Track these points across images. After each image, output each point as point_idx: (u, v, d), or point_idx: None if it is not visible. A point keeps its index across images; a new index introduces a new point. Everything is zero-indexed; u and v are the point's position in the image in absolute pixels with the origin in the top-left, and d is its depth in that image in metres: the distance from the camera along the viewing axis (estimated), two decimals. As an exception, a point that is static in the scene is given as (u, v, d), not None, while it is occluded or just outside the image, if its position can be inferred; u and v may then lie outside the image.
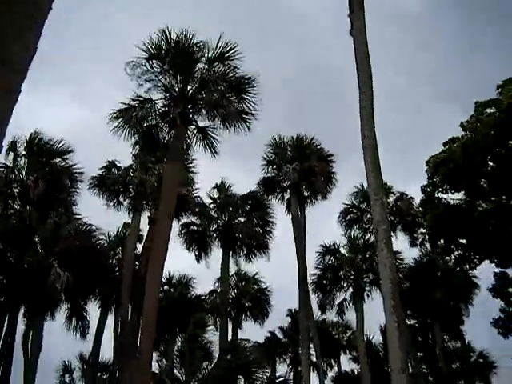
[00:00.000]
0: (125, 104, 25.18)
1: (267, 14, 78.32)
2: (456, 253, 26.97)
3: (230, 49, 24.42)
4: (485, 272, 29.19)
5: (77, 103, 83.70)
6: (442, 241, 28.21)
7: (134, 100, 25.11)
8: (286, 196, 40.05)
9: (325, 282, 40.04)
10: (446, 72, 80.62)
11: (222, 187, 41.82)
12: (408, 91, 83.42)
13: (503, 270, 26.83)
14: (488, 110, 23.37)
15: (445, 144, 24.96)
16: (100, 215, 35.74)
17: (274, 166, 40.44)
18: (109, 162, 35.93)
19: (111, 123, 25.16)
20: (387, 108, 72.48)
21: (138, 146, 28.64)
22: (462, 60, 79.21)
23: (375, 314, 36.49)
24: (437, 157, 24.36)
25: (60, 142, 32.09)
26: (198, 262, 40.38)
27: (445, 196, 25.39)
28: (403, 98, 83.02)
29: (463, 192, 24.88)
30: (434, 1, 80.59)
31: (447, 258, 30.51)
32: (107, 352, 37.56)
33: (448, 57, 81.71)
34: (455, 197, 25.28)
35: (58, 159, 32.41)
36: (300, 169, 38.67)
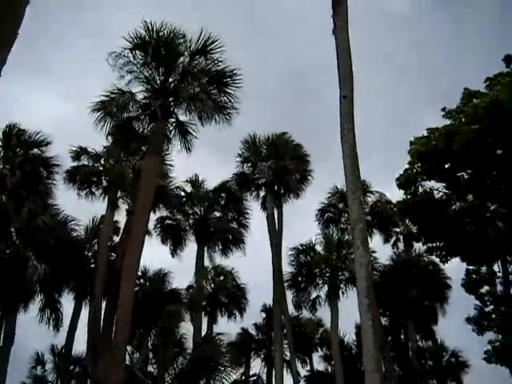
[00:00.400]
0: (105, 96, 25.13)
1: (254, 10, 78.07)
2: (429, 244, 27.04)
3: (212, 42, 24.41)
4: (457, 269, 29.38)
5: (64, 98, 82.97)
6: (415, 229, 28.30)
7: (113, 93, 25.02)
8: (262, 193, 40.19)
9: (300, 279, 40.15)
10: (436, 71, 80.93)
11: (195, 181, 41.81)
12: (393, 90, 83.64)
13: (474, 267, 27.00)
14: (474, 101, 23.28)
15: (429, 131, 24.84)
16: (76, 207, 35.38)
17: (250, 164, 40.54)
18: (80, 148, 35.65)
19: (92, 115, 25.22)
20: (374, 107, 72.68)
21: (112, 137, 28.49)
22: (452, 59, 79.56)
23: (348, 313, 36.67)
24: (419, 147, 24.30)
25: (38, 133, 31.96)
26: (173, 256, 40.44)
27: (423, 183, 25.37)
28: (389, 98, 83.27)
29: (443, 184, 24.91)
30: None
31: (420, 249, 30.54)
32: (81, 345, 37.38)
33: (438, 56, 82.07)
34: (435, 185, 25.27)
35: (35, 150, 32.21)
36: (275, 167, 38.82)
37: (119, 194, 34.77)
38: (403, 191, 26.13)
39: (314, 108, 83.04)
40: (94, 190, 35.17)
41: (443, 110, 24.41)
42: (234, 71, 24.98)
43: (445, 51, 79.39)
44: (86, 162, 35.62)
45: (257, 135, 40.73)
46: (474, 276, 26.76)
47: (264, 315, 45.53)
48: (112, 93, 24.98)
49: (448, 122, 24.75)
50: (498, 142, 22.19)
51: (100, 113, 25.09)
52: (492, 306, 26.79)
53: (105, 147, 34.54)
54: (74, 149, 35.46)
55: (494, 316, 26.35)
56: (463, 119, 23.34)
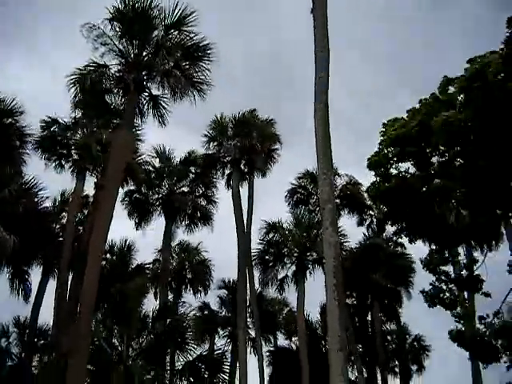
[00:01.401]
0: (80, 70, 24.91)
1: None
2: (397, 225, 27.22)
3: (187, 15, 24.29)
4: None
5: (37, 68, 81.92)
6: (383, 214, 28.44)
7: (88, 66, 24.77)
8: (227, 171, 40.22)
9: (267, 257, 40.30)
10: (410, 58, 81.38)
11: (162, 155, 41.72)
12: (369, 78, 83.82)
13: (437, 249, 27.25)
14: (451, 88, 23.15)
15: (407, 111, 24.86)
16: (45, 180, 34.96)
17: (215, 143, 40.48)
18: (49, 118, 34.85)
19: (68, 89, 25.05)
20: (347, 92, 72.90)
21: (80, 109, 28.24)
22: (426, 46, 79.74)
23: (313, 294, 37.02)
24: (394, 131, 24.30)
25: (12, 101, 31.53)
26: (137, 229, 40.37)
27: (394, 166, 25.39)
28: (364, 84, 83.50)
29: (412, 163, 24.95)
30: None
31: (388, 233, 30.73)
32: (47, 317, 37.07)
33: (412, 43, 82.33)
34: (404, 166, 25.30)
35: (8, 119, 31.83)
36: (241, 145, 39.05)
37: (88, 166, 34.39)
38: (374, 173, 26.16)
39: (287, 90, 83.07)
40: (63, 162, 34.76)
41: (420, 102, 24.38)
42: (208, 45, 24.91)
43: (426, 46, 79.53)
44: (55, 133, 35.11)
45: (224, 115, 40.71)
46: (436, 256, 26.99)
47: (226, 292, 45.60)
48: (87, 66, 24.74)
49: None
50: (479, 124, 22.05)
51: (74, 87, 24.91)
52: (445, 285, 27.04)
53: (75, 119, 34.10)
54: (45, 119, 34.99)
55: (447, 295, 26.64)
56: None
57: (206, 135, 40.43)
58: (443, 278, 26.60)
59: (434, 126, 21.67)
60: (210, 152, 40.40)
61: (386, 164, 24.80)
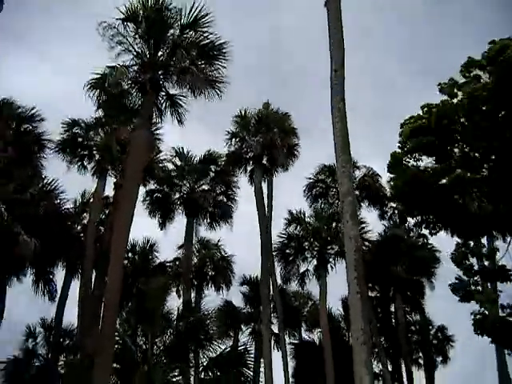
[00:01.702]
0: (99, 74, 25.07)
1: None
2: (418, 218, 27.09)
3: (203, 15, 24.33)
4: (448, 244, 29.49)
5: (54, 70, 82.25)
6: (404, 207, 28.28)
7: (108, 67, 24.89)
8: (249, 168, 40.38)
9: (288, 251, 40.33)
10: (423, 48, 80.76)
11: (182, 154, 41.88)
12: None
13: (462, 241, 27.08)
14: (474, 72, 22.85)
15: (422, 108, 24.68)
16: (66, 182, 35.32)
17: (238, 139, 40.76)
18: (71, 120, 35.58)
19: (89, 92, 25.29)
20: (364, 85, 72.57)
21: (102, 110, 28.40)
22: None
23: (337, 287, 36.94)
24: (410, 123, 24.19)
25: (32, 109, 32.13)
26: (162, 229, 40.62)
27: (414, 163, 25.24)
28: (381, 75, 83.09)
29: (433, 158, 24.78)
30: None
31: (409, 224, 30.58)
32: (72, 318, 37.39)
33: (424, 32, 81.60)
34: (424, 164, 25.15)
35: (27, 126, 32.34)
36: (263, 141, 39.25)
37: (109, 167, 34.72)
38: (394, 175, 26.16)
39: (301, 83, 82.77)
40: (85, 163, 35.20)
41: (439, 85, 24.16)
42: (223, 44, 24.95)
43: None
44: (77, 134, 35.57)
45: (247, 110, 41.08)
46: (462, 249, 26.84)
47: (248, 288, 45.75)
48: (108, 67, 24.86)
49: (444, 97, 24.48)
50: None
51: (94, 89, 25.10)
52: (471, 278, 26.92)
53: (96, 119, 34.44)
54: (67, 120, 35.48)
55: (473, 288, 26.54)
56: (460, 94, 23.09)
57: (228, 132, 40.79)
58: (469, 270, 26.54)
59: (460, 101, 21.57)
60: (233, 148, 40.64)
61: (405, 159, 24.71)
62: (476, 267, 27.05)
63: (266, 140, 39.26)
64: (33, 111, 32.26)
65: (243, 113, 41.09)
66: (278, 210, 40.72)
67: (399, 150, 25.20)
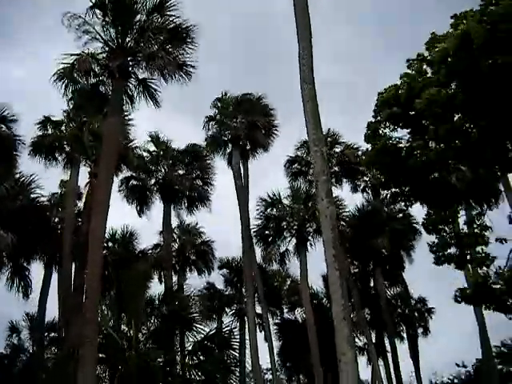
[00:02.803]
0: (66, 63, 24.85)
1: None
2: (393, 190, 27.14)
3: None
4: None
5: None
6: (381, 180, 28.28)
7: (73, 55, 24.68)
8: (228, 150, 40.34)
9: (268, 232, 40.44)
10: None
11: (157, 140, 41.82)
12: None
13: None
14: (439, 45, 22.80)
15: (401, 77, 24.64)
16: (46, 177, 35.31)
17: (215, 122, 41.03)
18: (44, 117, 35.58)
19: (55, 82, 25.07)
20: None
21: (72, 101, 28.18)
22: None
23: (317, 264, 37.22)
24: (385, 93, 24.18)
25: (4, 110, 31.97)
26: (140, 216, 40.50)
27: (389, 133, 25.22)
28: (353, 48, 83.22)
29: (407, 131, 24.80)
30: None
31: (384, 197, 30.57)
32: (55, 310, 37.33)
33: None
34: (399, 134, 25.14)
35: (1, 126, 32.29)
36: (242, 123, 39.55)
37: (80, 157, 34.64)
38: (370, 145, 26.13)
39: (276, 61, 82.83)
40: (57, 155, 35.09)
41: (407, 61, 24.17)
42: (191, 27, 24.86)
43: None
44: (50, 131, 35.50)
45: (225, 93, 41.53)
46: (433, 216, 26.93)
47: (228, 271, 46.03)
48: (72, 54, 24.65)
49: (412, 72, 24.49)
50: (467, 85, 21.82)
51: (63, 80, 24.88)
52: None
53: (66, 112, 34.31)
54: (40, 118, 35.63)
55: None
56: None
57: (206, 116, 41.09)
58: (446, 235, 26.59)
59: (417, 107, 21.65)
60: (211, 132, 40.90)
61: (379, 131, 24.71)
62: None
63: (248, 121, 39.60)
64: (5, 111, 32.12)
65: (222, 96, 41.37)
66: (267, 189, 41.10)
67: (373, 119, 25.17)
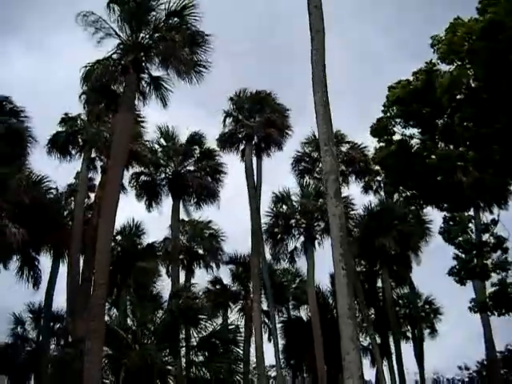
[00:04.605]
0: (88, 65, 25.00)
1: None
2: (404, 194, 27.10)
3: (190, 6, 24.52)
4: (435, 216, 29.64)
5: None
6: (390, 180, 28.18)
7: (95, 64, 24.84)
8: (242, 146, 40.47)
9: (276, 230, 40.52)
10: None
11: (167, 135, 42.03)
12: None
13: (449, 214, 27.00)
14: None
15: (414, 74, 24.42)
16: (54, 167, 35.54)
17: (232, 119, 41.05)
18: (64, 115, 35.91)
19: (80, 85, 25.34)
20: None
21: (88, 97, 28.36)
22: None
23: (325, 263, 37.20)
24: (397, 88, 23.96)
25: (12, 102, 32.49)
26: (149, 211, 40.69)
27: (398, 130, 25.11)
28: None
29: (418, 129, 24.65)
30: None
31: (397, 198, 30.49)
32: (61, 302, 37.53)
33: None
34: (409, 132, 25.00)
35: (13, 120, 32.60)
36: (257, 121, 39.82)
37: (95, 152, 34.95)
38: (377, 140, 25.97)
39: (288, 61, 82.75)
40: (70, 149, 35.40)
41: (429, 63, 23.94)
42: (208, 35, 25.12)
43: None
44: (65, 128, 35.90)
45: (242, 91, 41.47)
46: (451, 223, 26.83)
47: (235, 266, 46.14)
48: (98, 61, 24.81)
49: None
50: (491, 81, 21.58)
51: (84, 81, 25.08)
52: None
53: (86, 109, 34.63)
54: (62, 116, 36.05)
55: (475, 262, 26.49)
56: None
57: (224, 111, 41.01)
58: (465, 246, 26.50)
59: (439, 87, 21.47)
60: (227, 129, 40.87)
61: (389, 127, 24.58)
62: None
63: (264, 119, 39.70)
64: (15, 104, 32.67)
65: (239, 93, 41.40)
66: (276, 188, 41.29)
67: (383, 115, 24.97)
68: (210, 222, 46.04)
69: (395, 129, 24.75)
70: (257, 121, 40.08)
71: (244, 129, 40.10)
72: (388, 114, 24.45)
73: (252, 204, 37.39)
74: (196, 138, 41.82)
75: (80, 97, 27.49)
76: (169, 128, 41.93)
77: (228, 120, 40.91)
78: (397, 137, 24.89)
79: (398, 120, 24.54)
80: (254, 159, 39.57)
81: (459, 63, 21.83)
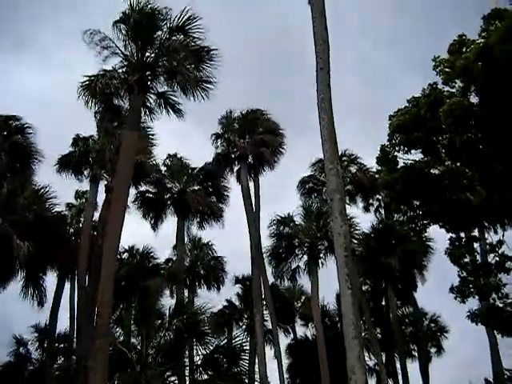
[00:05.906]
0: (89, 77, 25.13)
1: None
2: (408, 214, 27.23)
3: (192, 20, 24.62)
4: (439, 236, 29.64)
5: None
6: (395, 204, 28.29)
7: (99, 74, 24.99)
8: (236, 168, 40.83)
9: (280, 250, 40.49)
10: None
11: (174, 157, 42.51)
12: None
13: (454, 234, 27.05)
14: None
15: (409, 101, 24.70)
16: (61, 184, 35.65)
17: (223, 140, 41.41)
18: (75, 136, 35.95)
19: (80, 97, 25.36)
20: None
21: (99, 115, 28.54)
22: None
23: (330, 281, 37.12)
24: (397, 116, 24.26)
25: (19, 119, 32.70)
26: (154, 230, 40.86)
27: (402, 156, 25.40)
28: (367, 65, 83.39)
29: (420, 151, 24.88)
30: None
31: (400, 218, 30.63)
32: (64, 322, 37.45)
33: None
34: (412, 157, 25.29)
35: (19, 136, 32.73)
36: (249, 141, 40.15)
37: (101, 170, 35.04)
38: (382, 168, 26.28)
39: (291, 79, 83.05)
40: (83, 170, 35.52)
41: (432, 84, 24.17)
42: (212, 49, 25.19)
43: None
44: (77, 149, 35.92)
45: (231, 111, 41.91)
46: (457, 244, 26.90)
47: (238, 286, 46.23)
48: (98, 74, 24.96)
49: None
50: (487, 99, 21.76)
51: (86, 95, 25.17)
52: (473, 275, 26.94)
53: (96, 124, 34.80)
54: (73, 137, 35.99)
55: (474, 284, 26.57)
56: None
57: (214, 134, 41.36)
58: (469, 268, 26.59)
59: (441, 113, 21.70)
60: (219, 149, 41.12)
61: (393, 154, 24.83)
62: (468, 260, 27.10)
63: (255, 140, 39.93)
64: (22, 121, 33.09)
65: (228, 113, 41.74)
66: (279, 207, 41.33)
67: (387, 143, 25.29)
68: (212, 242, 46.48)
69: (399, 155, 25.06)
70: (249, 142, 40.24)
71: (236, 149, 40.40)
72: (392, 142, 24.77)
73: (250, 223, 37.53)
74: (205, 169, 42.42)
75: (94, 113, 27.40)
76: (176, 153, 42.72)
77: (219, 141, 41.29)
78: (401, 163, 25.26)
79: (401, 147, 24.84)
80: (251, 183, 39.86)
81: (461, 85, 22.09)
